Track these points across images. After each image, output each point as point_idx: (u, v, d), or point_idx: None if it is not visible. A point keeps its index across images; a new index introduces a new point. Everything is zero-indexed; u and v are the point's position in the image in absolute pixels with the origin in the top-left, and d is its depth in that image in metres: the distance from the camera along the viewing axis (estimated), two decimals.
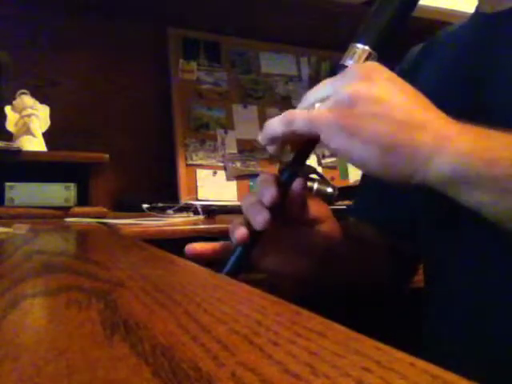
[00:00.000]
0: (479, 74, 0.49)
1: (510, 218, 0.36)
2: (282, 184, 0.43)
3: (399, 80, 0.40)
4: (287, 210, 0.46)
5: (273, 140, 0.42)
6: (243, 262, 0.44)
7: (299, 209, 0.47)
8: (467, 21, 0.57)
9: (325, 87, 0.41)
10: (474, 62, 0.51)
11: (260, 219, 0.42)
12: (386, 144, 0.36)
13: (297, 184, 0.44)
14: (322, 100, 0.40)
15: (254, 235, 0.43)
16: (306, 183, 0.45)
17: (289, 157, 0.45)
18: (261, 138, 0.43)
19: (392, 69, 0.40)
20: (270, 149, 0.43)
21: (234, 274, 0.42)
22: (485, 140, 0.35)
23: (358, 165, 0.39)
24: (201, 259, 0.47)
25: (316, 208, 0.49)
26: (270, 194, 0.42)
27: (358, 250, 0.56)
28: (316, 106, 0.41)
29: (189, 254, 0.47)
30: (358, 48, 0.44)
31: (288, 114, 0.41)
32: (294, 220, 0.48)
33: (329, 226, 0.50)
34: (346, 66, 0.43)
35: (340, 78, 0.40)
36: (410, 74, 0.41)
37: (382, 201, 0.62)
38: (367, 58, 0.43)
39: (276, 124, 0.41)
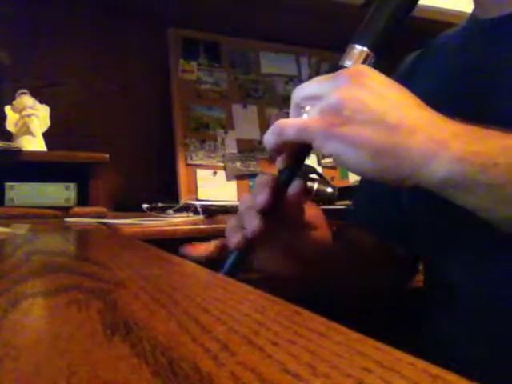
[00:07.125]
0: (478, 79, 0.49)
1: (508, 223, 0.35)
2: (280, 186, 0.43)
3: (390, 83, 0.39)
4: (283, 211, 0.46)
5: (273, 151, 0.42)
6: (240, 264, 0.44)
7: (295, 211, 0.47)
8: (463, 26, 0.57)
9: (314, 86, 0.41)
10: (472, 67, 0.51)
11: (251, 228, 0.42)
12: (377, 148, 0.36)
13: (295, 186, 0.44)
14: (311, 98, 0.40)
15: (250, 239, 0.43)
16: (304, 185, 0.45)
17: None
18: (268, 151, 0.43)
19: (386, 70, 0.40)
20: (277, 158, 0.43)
21: (231, 275, 0.42)
22: (480, 143, 0.35)
23: (351, 169, 0.39)
24: (197, 260, 0.47)
25: (311, 213, 0.49)
26: (262, 198, 0.42)
27: (357, 255, 0.56)
28: (307, 108, 0.41)
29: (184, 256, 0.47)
30: (356, 49, 0.44)
31: (277, 124, 0.40)
32: (288, 222, 0.48)
33: (321, 233, 0.50)
34: (346, 67, 0.43)
35: (330, 79, 0.40)
36: (404, 82, 0.41)
37: (377, 205, 0.62)
38: (365, 59, 0.43)
39: (269, 136, 0.41)
